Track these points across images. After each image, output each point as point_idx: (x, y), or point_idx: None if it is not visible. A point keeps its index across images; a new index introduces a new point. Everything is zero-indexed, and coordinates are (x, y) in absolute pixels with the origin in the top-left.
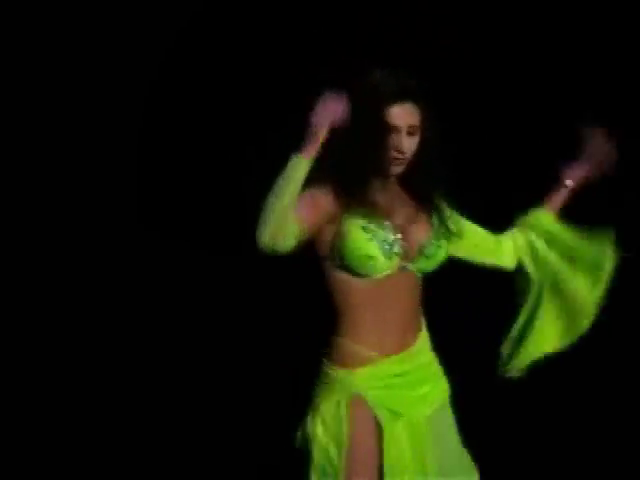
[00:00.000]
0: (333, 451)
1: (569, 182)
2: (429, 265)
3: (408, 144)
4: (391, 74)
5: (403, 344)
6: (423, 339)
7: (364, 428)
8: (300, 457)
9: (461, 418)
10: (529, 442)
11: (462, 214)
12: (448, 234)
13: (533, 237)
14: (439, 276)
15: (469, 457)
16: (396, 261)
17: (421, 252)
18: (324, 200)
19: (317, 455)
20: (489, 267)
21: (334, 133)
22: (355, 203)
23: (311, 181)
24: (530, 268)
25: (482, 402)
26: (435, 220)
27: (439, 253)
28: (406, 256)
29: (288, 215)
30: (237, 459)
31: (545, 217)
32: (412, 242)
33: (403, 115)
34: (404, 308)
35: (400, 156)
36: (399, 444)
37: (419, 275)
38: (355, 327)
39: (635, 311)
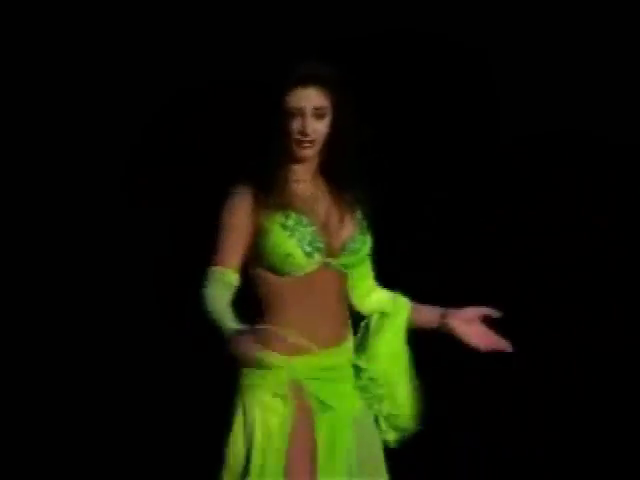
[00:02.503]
0: (267, 440)
1: (446, 324)
2: (353, 260)
3: (314, 126)
4: (298, 62)
5: (335, 338)
6: (350, 342)
7: (303, 419)
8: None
9: None
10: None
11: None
12: (369, 228)
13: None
14: None
15: (384, 463)
16: (317, 258)
17: (344, 248)
18: (242, 217)
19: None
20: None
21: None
22: (272, 197)
23: (232, 179)
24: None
25: None
26: (359, 214)
27: (363, 248)
28: (329, 252)
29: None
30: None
31: (406, 319)
32: (335, 238)
33: (305, 97)
34: (331, 305)
35: (304, 138)
36: (327, 437)
37: (344, 271)
38: (286, 321)
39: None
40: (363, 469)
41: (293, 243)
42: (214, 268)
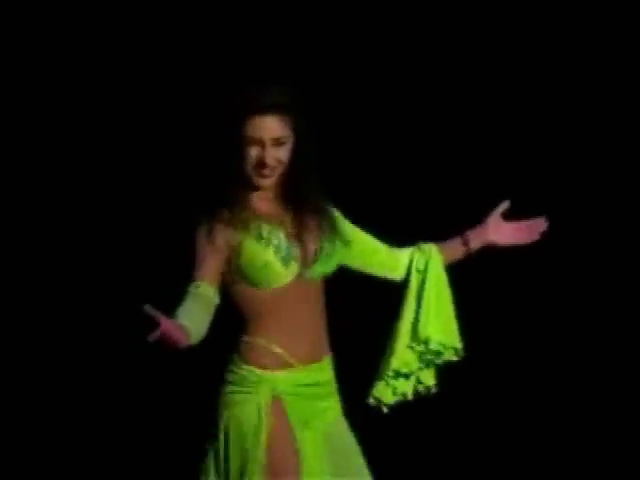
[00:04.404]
0: (247, 455)
1: (473, 246)
2: (327, 268)
3: (273, 155)
4: (255, 87)
5: (313, 355)
6: (329, 358)
7: (283, 430)
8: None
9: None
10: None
11: (354, 222)
12: (340, 238)
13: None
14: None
15: (366, 470)
16: (294, 267)
17: (317, 256)
18: (212, 238)
19: (230, 455)
20: (379, 278)
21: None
22: (239, 216)
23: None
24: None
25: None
26: (325, 224)
27: (336, 255)
28: (304, 262)
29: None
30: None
31: (439, 261)
32: (307, 247)
33: (264, 127)
34: (309, 319)
35: (264, 168)
36: (310, 449)
37: (319, 281)
38: (267, 336)
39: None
40: (342, 473)
41: (270, 252)
42: (190, 284)
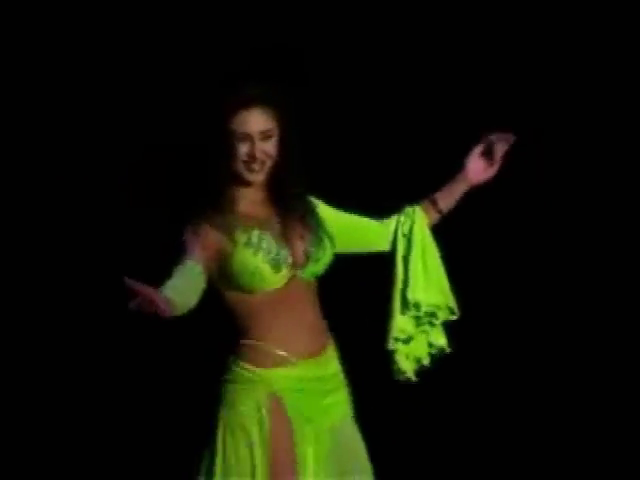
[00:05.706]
0: (246, 452)
1: (442, 206)
2: (318, 268)
3: (262, 149)
4: (237, 83)
5: (314, 350)
6: (332, 349)
7: (282, 428)
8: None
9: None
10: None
11: (343, 207)
12: (327, 235)
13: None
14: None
15: (368, 463)
16: (284, 271)
17: (308, 257)
18: (201, 235)
19: (227, 456)
20: (375, 253)
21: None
22: (228, 219)
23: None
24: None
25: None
26: (312, 225)
27: (326, 255)
28: (295, 264)
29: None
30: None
31: (422, 222)
32: (297, 249)
33: (251, 121)
34: (305, 316)
35: (253, 162)
36: (310, 447)
37: (311, 280)
38: (264, 336)
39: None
40: (346, 470)
41: (259, 259)
42: (176, 267)
